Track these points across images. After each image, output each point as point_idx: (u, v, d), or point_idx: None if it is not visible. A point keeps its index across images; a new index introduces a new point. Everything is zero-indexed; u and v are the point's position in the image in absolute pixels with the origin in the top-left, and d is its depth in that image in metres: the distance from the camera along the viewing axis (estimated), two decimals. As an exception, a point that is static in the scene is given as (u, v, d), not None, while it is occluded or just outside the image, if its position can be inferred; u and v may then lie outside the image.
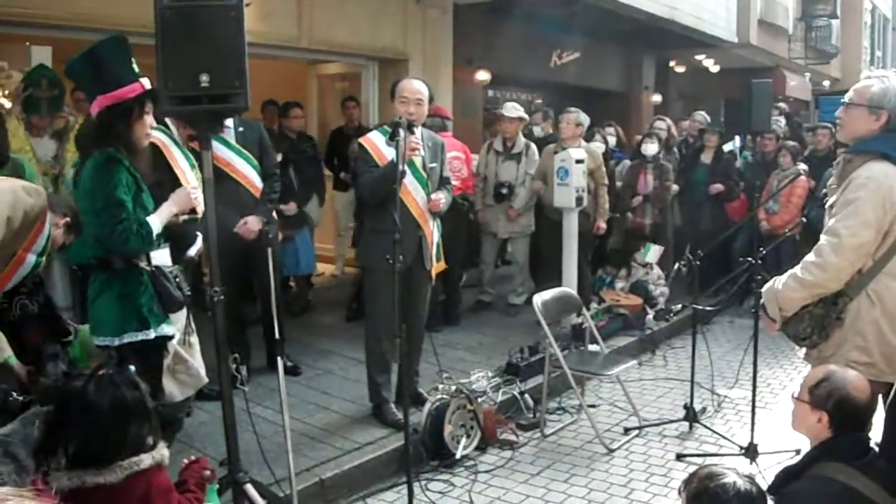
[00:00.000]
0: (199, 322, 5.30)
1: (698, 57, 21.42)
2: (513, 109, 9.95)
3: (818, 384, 3.52)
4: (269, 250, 5.51)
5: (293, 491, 5.08)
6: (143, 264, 4.78)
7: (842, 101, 4.59)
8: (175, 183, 5.56)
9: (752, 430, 6.21)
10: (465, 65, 13.53)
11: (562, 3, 12.68)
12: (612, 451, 6.52)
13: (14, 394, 4.51)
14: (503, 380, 7.37)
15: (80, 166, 4.90)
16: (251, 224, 6.80)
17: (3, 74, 7.91)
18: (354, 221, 10.10)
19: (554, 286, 7.69)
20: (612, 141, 11.95)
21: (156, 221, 4.77)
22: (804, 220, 8.47)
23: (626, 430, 6.92)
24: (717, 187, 11.27)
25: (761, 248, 6.44)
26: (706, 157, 11.62)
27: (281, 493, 5.09)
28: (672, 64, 21.86)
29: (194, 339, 5.31)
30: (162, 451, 3.45)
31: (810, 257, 4.39)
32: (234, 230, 6.69)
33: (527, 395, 7.20)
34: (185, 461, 4.05)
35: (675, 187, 11.19)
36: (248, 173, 6.84)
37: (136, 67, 4.70)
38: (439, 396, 6.38)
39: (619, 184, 11.19)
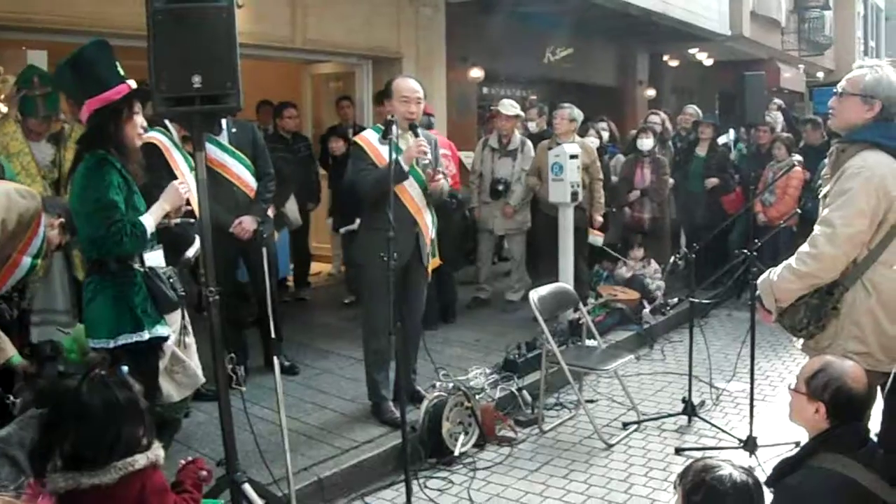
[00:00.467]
0: (195, 322, 5.30)
1: (692, 50, 21.42)
2: (510, 107, 9.96)
3: (815, 375, 3.52)
4: (265, 250, 5.52)
5: (291, 490, 5.07)
6: (136, 265, 4.78)
7: (834, 90, 4.60)
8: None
9: (751, 422, 6.20)
10: (458, 63, 13.53)
11: (554, -1, 12.70)
12: (610, 445, 6.51)
13: (11, 396, 4.52)
14: (501, 376, 7.37)
15: (71, 170, 4.89)
16: (246, 224, 6.80)
17: (0, 79, 7.89)
18: (329, 216, 10.19)
19: (550, 282, 7.69)
20: (606, 136, 11.94)
21: (149, 221, 4.78)
22: (800, 211, 8.46)
23: (625, 425, 6.91)
24: (712, 181, 11.27)
25: (757, 240, 6.44)
26: (701, 150, 11.63)
27: (279, 493, 5.08)
28: (665, 58, 21.85)
29: (191, 340, 5.32)
30: (157, 452, 3.45)
31: (805, 248, 4.39)
32: (229, 230, 6.69)
33: (525, 392, 7.20)
34: (182, 461, 4.05)
35: (670, 181, 11.19)
36: (241, 174, 6.85)
37: (120, 70, 4.71)
38: (437, 394, 6.38)
39: (613, 178, 11.19)
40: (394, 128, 5.78)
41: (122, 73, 4.72)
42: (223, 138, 6.78)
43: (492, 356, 8.02)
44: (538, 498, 5.71)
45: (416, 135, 6.32)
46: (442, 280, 9.26)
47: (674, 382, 8.01)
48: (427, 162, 6.41)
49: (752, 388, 6.35)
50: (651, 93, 20.60)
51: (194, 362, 5.35)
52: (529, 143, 10.07)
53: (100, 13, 7.91)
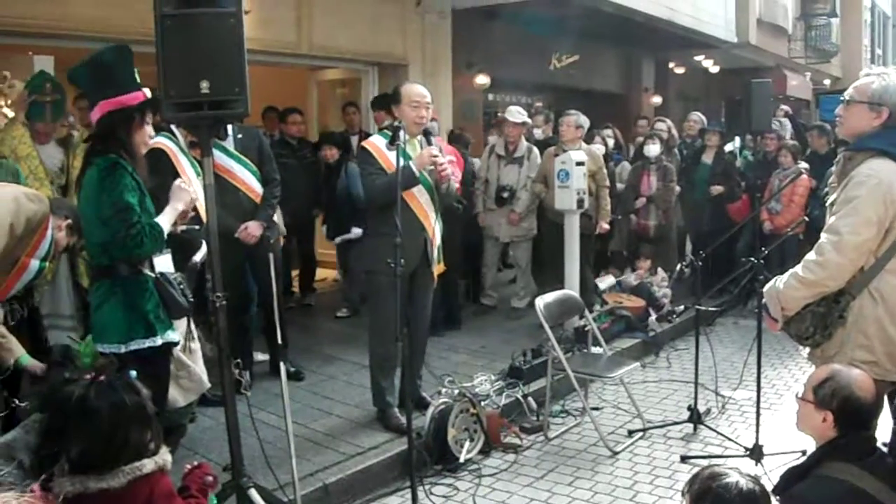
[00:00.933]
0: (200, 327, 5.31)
1: (698, 57, 21.44)
2: (517, 114, 9.95)
3: (822, 384, 3.51)
4: (271, 256, 5.52)
5: (297, 496, 5.08)
6: (147, 271, 4.78)
7: (841, 98, 4.59)
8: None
9: (757, 431, 6.19)
10: (464, 69, 13.55)
11: (560, 5, 12.68)
12: (616, 453, 6.50)
13: (16, 400, 4.52)
14: (506, 383, 7.36)
15: (80, 174, 4.89)
16: (252, 229, 6.81)
17: (7, 84, 7.91)
18: (323, 223, 10.28)
19: (556, 289, 7.69)
20: (611, 143, 11.94)
21: (164, 221, 4.77)
22: (807, 219, 8.45)
23: (630, 433, 6.90)
24: (718, 189, 11.26)
25: (764, 248, 6.43)
26: (707, 158, 11.61)
27: (285, 499, 5.08)
28: (671, 65, 21.87)
29: (196, 345, 5.33)
30: (164, 456, 3.45)
31: (811, 256, 4.38)
32: (235, 236, 6.70)
33: (530, 399, 7.19)
34: (188, 467, 4.05)
35: (677, 188, 11.18)
36: (247, 179, 6.86)
37: (137, 77, 4.71)
38: (442, 400, 6.38)
39: (618, 185, 11.19)
40: (401, 133, 5.78)
41: (138, 80, 4.73)
42: (229, 144, 6.79)
43: (497, 363, 8.01)
44: (543, 505, 5.72)
45: (430, 142, 6.33)
46: (447, 287, 9.26)
47: (679, 390, 7.99)
48: (446, 170, 6.37)
49: (758, 397, 6.34)
50: (657, 100, 20.60)
51: (199, 367, 5.35)
52: (536, 150, 10.06)
53: (106, 19, 7.94)
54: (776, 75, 22.20)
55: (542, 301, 6.95)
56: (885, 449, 3.65)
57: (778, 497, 3.41)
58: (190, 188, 5.09)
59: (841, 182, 4.43)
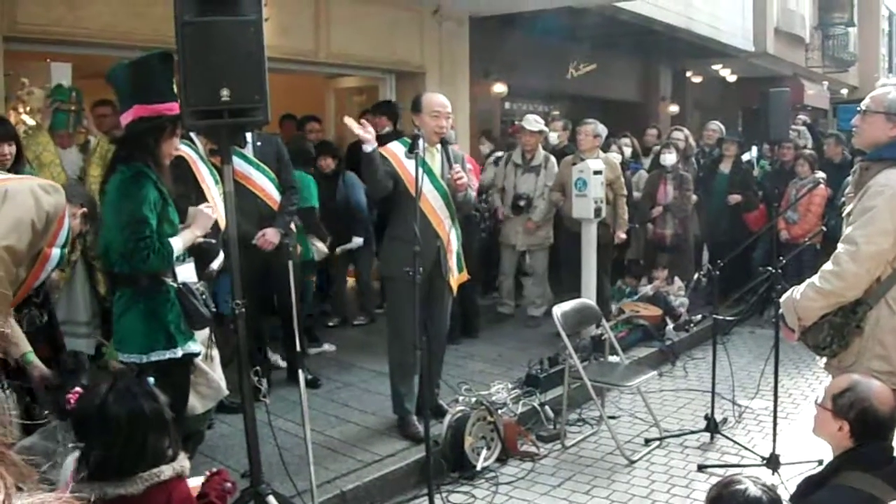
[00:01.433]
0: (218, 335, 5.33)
1: (715, 67, 21.42)
2: (534, 123, 9.96)
3: (842, 393, 3.51)
4: (290, 263, 5.53)
5: (314, 503, 5.09)
6: (169, 280, 4.79)
7: (858, 108, 4.59)
8: (201, 199, 5.60)
9: (774, 440, 6.18)
10: (482, 77, 13.56)
11: (578, 14, 12.68)
12: (633, 462, 6.50)
13: (38, 406, 4.54)
14: (523, 391, 7.37)
15: (104, 180, 4.92)
16: (269, 236, 6.83)
17: (25, 91, 7.96)
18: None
19: (573, 297, 7.69)
20: (628, 152, 11.94)
21: (178, 244, 4.78)
22: (824, 228, 8.43)
23: (647, 441, 6.90)
24: (735, 198, 11.23)
25: (781, 258, 6.42)
26: (725, 167, 11.59)
27: (302, 506, 5.10)
28: (689, 74, 21.85)
29: (215, 353, 5.34)
30: (182, 463, 3.46)
31: (828, 266, 4.38)
32: (252, 242, 6.72)
33: (547, 407, 7.19)
34: (207, 473, 4.06)
35: (693, 197, 11.17)
36: (266, 186, 6.89)
37: (175, 88, 4.73)
38: (459, 408, 6.39)
39: (636, 194, 11.18)
40: (420, 142, 5.79)
41: (175, 91, 4.75)
42: (248, 151, 6.82)
43: (514, 371, 8.02)
44: (560, 513, 5.72)
45: (447, 151, 6.35)
46: (464, 295, 9.28)
47: (696, 399, 7.98)
48: (462, 178, 6.38)
49: (775, 406, 6.33)
50: (674, 109, 20.58)
51: (218, 375, 5.37)
52: (553, 159, 10.06)
53: (123, 26, 7.98)
54: (793, 85, 22.12)
55: (559, 309, 6.95)
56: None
57: (795, 506, 3.42)
58: (213, 213, 5.12)
59: (858, 192, 4.43)
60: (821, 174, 10.42)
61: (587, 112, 12.17)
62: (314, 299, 9.36)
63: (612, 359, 7.58)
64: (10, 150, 5.53)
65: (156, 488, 3.29)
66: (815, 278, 4.42)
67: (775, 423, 6.23)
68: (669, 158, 10.86)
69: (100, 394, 3.39)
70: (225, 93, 4.32)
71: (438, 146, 6.43)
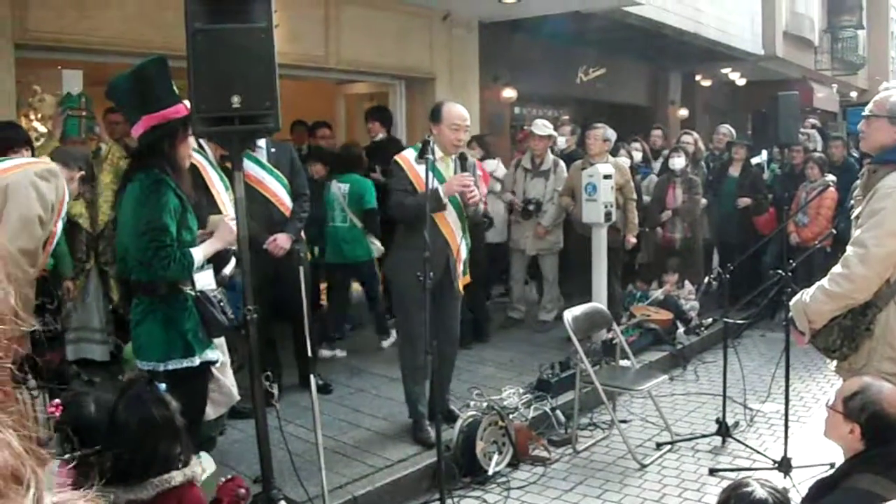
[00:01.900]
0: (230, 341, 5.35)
1: (724, 70, 21.40)
2: (543, 127, 9.96)
3: (853, 396, 3.51)
4: (301, 269, 5.54)
5: (327, 508, 5.10)
6: (187, 289, 4.81)
7: (863, 113, 4.61)
8: (212, 204, 5.62)
9: (786, 443, 6.17)
10: (491, 82, 13.56)
11: (587, 19, 12.69)
12: (644, 466, 6.50)
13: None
14: (534, 396, 7.36)
15: (121, 188, 4.93)
16: (281, 241, 6.85)
17: (37, 98, 8.01)
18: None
19: (584, 302, 7.69)
20: (638, 156, 11.93)
21: (199, 255, 4.78)
22: (834, 231, 8.42)
23: (659, 445, 6.90)
24: (745, 201, 11.23)
25: (791, 261, 6.42)
26: (734, 171, 11.59)
27: (314, 511, 5.11)
28: (698, 78, 21.83)
29: (226, 359, 5.36)
30: (194, 468, 3.48)
31: (837, 269, 4.38)
32: (264, 247, 6.74)
33: (558, 411, 7.19)
34: (222, 479, 4.08)
35: (703, 201, 11.16)
36: (278, 192, 6.91)
37: (176, 89, 4.75)
38: (471, 413, 6.39)
39: (645, 198, 11.17)
40: (435, 148, 5.79)
41: (177, 92, 4.77)
42: (262, 156, 6.84)
43: (525, 376, 8.02)
44: (572, 518, 5.72)
45: (465, 168, 6.36)
46: (475, 300, 9.29)
47: (707, 403, 7.98)
48: (475, 195, 6.39)
49: (786, 409, 6.32)
50: (684, 113, 20.56)
51: (230, 381, 5.39)
52: (562, 163, 10.07)
53: (135, 33, 8.01)
54: (803, 88, 22.10)
55: (570, 314, 6.96)
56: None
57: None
58: (229, 219, 5.13)
59: (866, 195, 4.44)
60: (831, 177, 10.40)
61: (596, 116, 12.16)
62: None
63: (623, 363, 7.58)
64: (26, 154, 5.58)
65: (166, 494, 3.31)
66: (824, 281, 4.43)
67: (787, 427, 6.22)
68: (679, 162, 10.86)
69: (86, 402, 3.41)
70: (236, 99, 4.35)
71: (455, 158, 6.45)
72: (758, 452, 6.55)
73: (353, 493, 5.62)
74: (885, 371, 4.18)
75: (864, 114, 4.59)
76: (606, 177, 8.70)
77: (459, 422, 6.31)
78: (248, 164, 6.56)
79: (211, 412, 5.23)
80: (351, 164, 8.92)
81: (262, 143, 6.74)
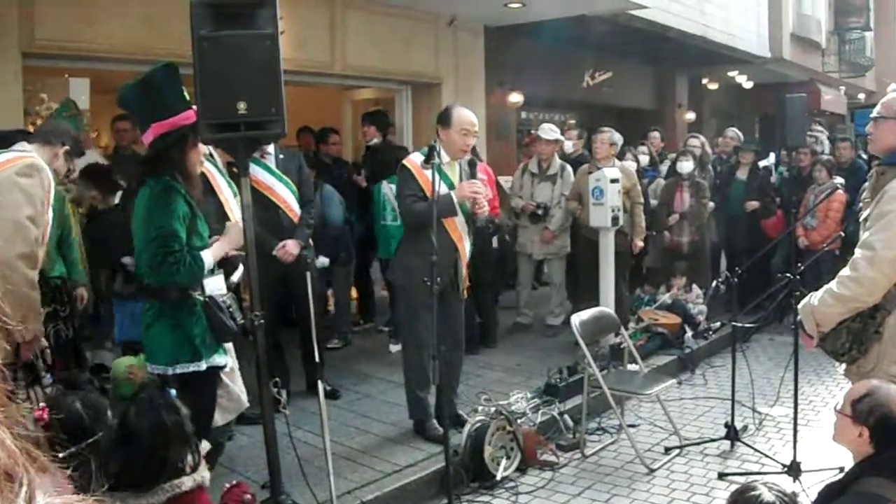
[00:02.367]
0: (238, 347, 5.34)
1: (731, 73, 21.37)
2: (549, 132, 9.97)
3: (861, 399, 3.50)
4: (308, 275, 5.55)
5: (335, 514, 5.10)
6: (196, 294, 4.82)
7: (871, 115, 4.60)
8: (220, 210, 5.63)
9: (795, 447, 6.16)
10: (497, 87, 13.57)
11: (592, 22, 12.69)
12: (653, 470, 6.48)
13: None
14: (542, 401, 7.35)
15: (127, 195, 4.95)
16: (290, 247, 6.85)
17: (44, 106, 8.03)
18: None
19: (591, 306, 7.68)
20: (645, 160, 11.91)
21: (209, 258, 4.80)
22: (842, 234, 8.40)
23: (667, 450, 6.88)
24: (753, 204, 11.23)
25: (799, 264, 6.41)
26: (742, 174, 11.59)
27: (323, 516, 5.11)
28: (705, 81, 21.81)
29: (235, 364, 5.36)
30: (203, 473, 3.49)
31: (845, 271, 4.37)
32: (272, 253, 6.75)
33: (566, 416, 7.19)
34: (227, 486, 4.09)
35: (710, 204, 11.15)
36: (287, 198, 6.91)
37: (186, 95, 4.77)
38: (479, 418, 6.38)
39: (652, 202, 11.16)
40: (442, 153, 5.79)
41: (188, 98, 4.78)
42: (270, 162, 6.85)
43: (533, 380, 8.01)
44: (580, 522, 5.71)
45: (474, 174, 6.37)
46: (482, 305, 9.29)
47: (716, 407, 7.96)
48: (484, 207, 6.40)
49: (795, 413, 6.30)
50: (691, 116, 20.54)
51: (238, 387, 5.39)
52: (569, 168, 10.05)
53: (141, 41, 8.03)
54: (810, 90, 22.05)
55: (577, 318, 6.95)
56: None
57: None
58: (239, 223, 5.14)
59: (874, 197, 4.43)
60: (839, 179, 10.39)
61: (603, 120, 12.18)
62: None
63: (631, 367, 7.57)
64: None
65: (176, 499, 3.32)
66: (832, 284, 4.42)
67: (796, 431, 6.20)
68: (686, 166, 10.84)
69: (72, 402, 3.42)
70: (242, 106, 4.35)
71: (463, 162, 6.46)
72: (767, 456, 6.53)
73: (361, 499, 5.62)
74: (894, 374, 4.17)
75: (871, 116, 4.59)
76: (613, 181, 8.69)
77: (467, 427, 6.30)
78: (258, 171, 6.59)
79: (219, 418, 5.22)
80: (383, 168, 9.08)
81: (270, 149, 6.76)
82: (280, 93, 4.46)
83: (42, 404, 3.64)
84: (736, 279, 6.83)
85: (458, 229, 6.38)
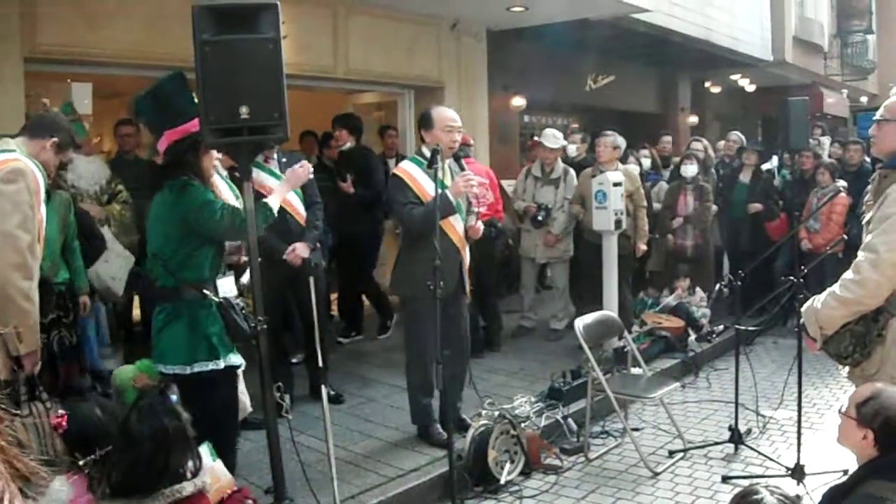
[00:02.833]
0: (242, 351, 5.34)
1: (734, 77, 21.37)
2: (553, 139, 9.97)
3: (865, 402, 3.50)
4: (312, 279, 5.55)
5: (339, 519, 5.10)
6: (211, 294, 4.85)
7: (873, 118, 4.60)
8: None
9: (799, 450, 6.15)
10: (500, 91, 13.55)
11: (595, 26, 12.68)
12: (657, 474, 6.48)
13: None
14: (546, 404, 7.34)
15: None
16: (299, 251, 6.86)
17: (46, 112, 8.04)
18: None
19: (595, 310, 7.68)
20: (647, 163, 11.91)
21: (275, 202, 5.07)
22: (846, 237, 8.39)
23: (671, 453, 6.87)
24: (756, 207, 11.23)
25: (803, 267, 6.40)
26: (745, 177, 11.59)
27: (327, 521, 5.10)
28: (707, 84, 21.81)
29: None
30: (204, 478, 3.49)
31: (848, 274, 4.36)
32: (282, 257, 6.76)
33: (570, 420, 7.17)
34: (228, 492, 4.08)
35: (714, 208, 11.15)
36: (293, 202, 6.92)
37: (196, 101, 4.79)
38: (482, 422, 6.37)
39: (655, 205, 11.15)
40: (439, 157, 5.78)
41: (197, 104, 4.80)
42: (274, 166, 6.85)
43: (537, 384, 8.00)
44: (584, 526, 5.70)
45: (462, 167, 6.34)
46: (486, 309, 9.29)
47: (720, 410, 7.95)
48: (486, 195, 6.40)
49: (799, 416, 6.30)
50: (693, 119, 20.53)
51: (242, 392, 5.39)
52: (572, 171, 10.05)
53: (143, 46, 8.03)
54: (813, 93, 22.04)
55: (581, 322, 6.95)
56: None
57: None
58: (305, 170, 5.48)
59: (877, 200, 4.42)
60: (841, 182, 10.39)
61: (606, 124, 12.15)
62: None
63: (635, 371, 7.56)
64: None
65: (177, 504, 3.32)
66: (835, 287, 4.41)
67: (799, 434, 6.20)
68: (691, 170, 10.84)
69: (91, 409, 3.43)
70: (244, 110, 4.36)
71: (450, 161, 6.44)
72: (771, 459, 6.53)
73: (364, 503, 5.61)
74: (898, 378, 4.17)
75: (875, 118, 4.58)
76: (616, 184, 8.69)
77: (471, 431, 6.30)
78: (262, 176, 6.60)
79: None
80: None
81: (273, 153, 6.78)
82: (283, 97, 4.46)
83: (61, 411, 3.64)
84: (739, 282, 6.82)
85: (458, 231, 6.37)
